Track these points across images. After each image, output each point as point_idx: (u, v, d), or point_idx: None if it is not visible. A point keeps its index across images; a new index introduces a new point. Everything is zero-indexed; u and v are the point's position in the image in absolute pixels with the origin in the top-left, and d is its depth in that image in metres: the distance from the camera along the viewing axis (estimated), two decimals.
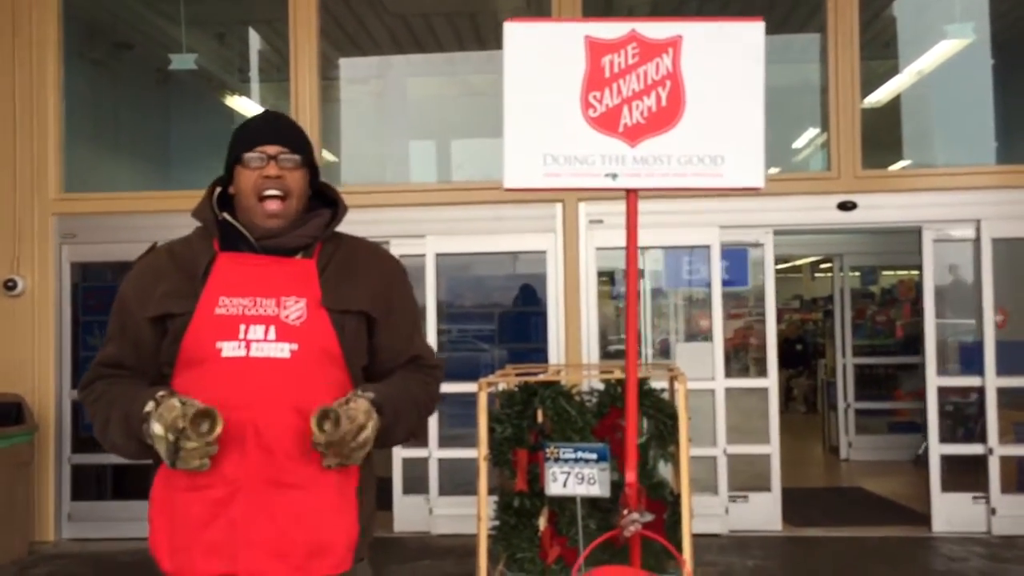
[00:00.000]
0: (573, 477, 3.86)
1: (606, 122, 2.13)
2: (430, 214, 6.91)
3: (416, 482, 6.82)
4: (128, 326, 2.13)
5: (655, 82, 2.12)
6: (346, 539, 2.03)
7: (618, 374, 4.42)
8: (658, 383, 4.53)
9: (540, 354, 6.75)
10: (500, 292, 7.25)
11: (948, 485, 6.66)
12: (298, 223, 2.14)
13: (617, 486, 4.21)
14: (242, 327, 2.02)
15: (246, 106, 8.90)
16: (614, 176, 2.11)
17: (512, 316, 7.18)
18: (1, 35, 6.99)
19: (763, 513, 6.68)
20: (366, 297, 2.13)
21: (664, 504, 4.20)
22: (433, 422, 6.71)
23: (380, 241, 6.92)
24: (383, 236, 6.52)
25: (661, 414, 4.32)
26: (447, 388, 7.06)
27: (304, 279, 2.10)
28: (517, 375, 4.48)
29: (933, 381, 6.72)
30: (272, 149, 2.12)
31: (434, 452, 6.72)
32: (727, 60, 2.14)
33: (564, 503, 3.97)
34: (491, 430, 4.16)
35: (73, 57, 7.43)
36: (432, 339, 6.75)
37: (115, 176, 8.30)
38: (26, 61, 7.02)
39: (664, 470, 4.41)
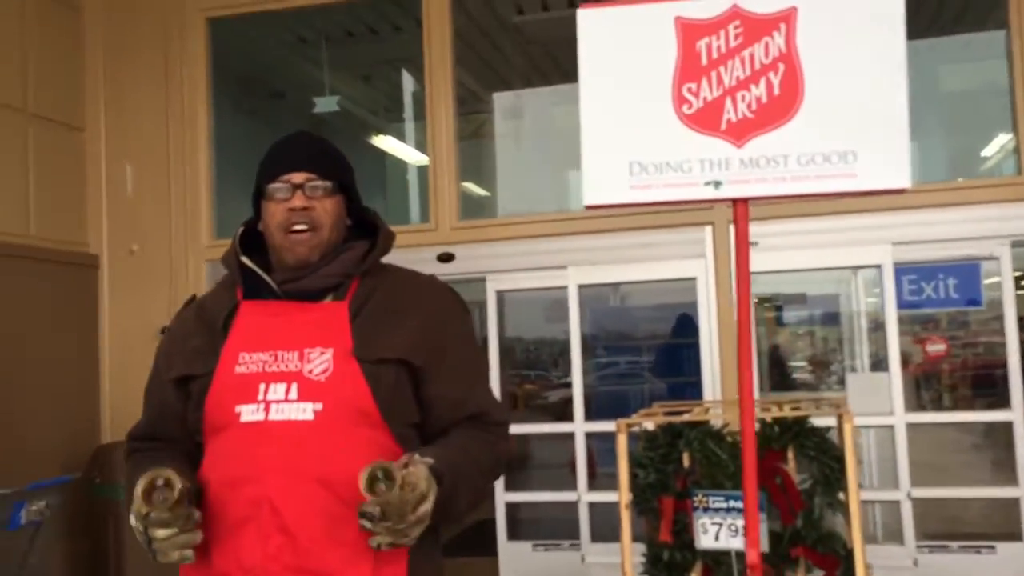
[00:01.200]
0: (726, 529, 3.49)
1: (705, 119, 1.72)
2: (573, 243, 6.62)
3: (545, 526, 6.53)
4: (154, 392, 1.92)
5: (765, 66, 1.70)
6: None
7: (776, 412, 4.03)
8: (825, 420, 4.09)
9: (694, 388, 6.29)
10: (648, 323, 6.86)
11: None
12: (325, 260, 1.85)
13: (778, 538, 3.79)
14: (261, 386, 1.73)
15: (395, 147, 8.95)
16: (717, 184, 1.69)
17: (662, 348, 6.75)
18: (155, 88, 7.26)
19: (1012, 567, 5.81)
20: (406, 342, 1.79)
21: (836, 559, 3.75)
22: (581, 462, 6.38)
23: (522, 274, 6.68)
24: (526, 268, 6.50)
25: (825, 456, 3.89)
26: (595, 427, 6.73)
27: (332, 325, 1.79)
28: (665, 413, 4.15)
29: None
30: (298, 177, 1.85)
31: (583, 495, 6.34)
32: (856, 33, 1.69)
33: (719, 557, 3.59)
34: (633, 475, 3.85)
35: (226, 109, 7.64)
36: (577, 376, 6.45)
37: None
38: (178, 114, 7.25)
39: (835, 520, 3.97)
